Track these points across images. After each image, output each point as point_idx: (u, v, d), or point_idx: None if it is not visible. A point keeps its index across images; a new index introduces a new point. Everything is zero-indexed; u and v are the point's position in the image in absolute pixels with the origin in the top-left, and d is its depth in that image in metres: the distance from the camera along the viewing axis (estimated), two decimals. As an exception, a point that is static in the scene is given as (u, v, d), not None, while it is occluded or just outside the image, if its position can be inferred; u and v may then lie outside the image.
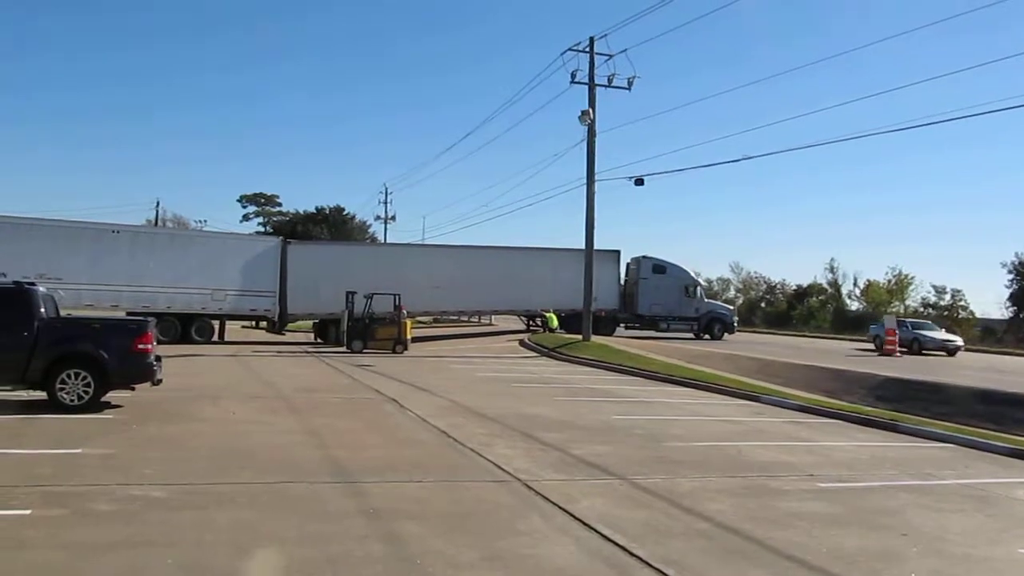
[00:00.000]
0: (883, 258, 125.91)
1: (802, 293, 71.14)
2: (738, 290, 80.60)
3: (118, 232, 32.60)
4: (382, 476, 9.34)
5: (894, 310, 57.77)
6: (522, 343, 35.48)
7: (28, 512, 7.24)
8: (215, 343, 32.07)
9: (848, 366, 25.20)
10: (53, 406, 12.82)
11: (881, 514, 8.64)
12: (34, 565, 5.93)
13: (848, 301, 70.05)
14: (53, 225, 31.46)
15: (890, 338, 36.64)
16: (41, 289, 13.95)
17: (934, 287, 62.25)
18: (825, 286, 71.11)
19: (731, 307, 50.55)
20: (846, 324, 60.68)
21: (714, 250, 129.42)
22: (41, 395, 13.17)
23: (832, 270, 71.42)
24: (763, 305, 75.79)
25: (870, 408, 17.43)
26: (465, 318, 53.54)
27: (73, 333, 13.81)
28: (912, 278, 65.42)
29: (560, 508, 8.18)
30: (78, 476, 8.67)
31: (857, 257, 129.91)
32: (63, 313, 15.31)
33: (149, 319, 14.80)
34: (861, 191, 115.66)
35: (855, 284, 70.56)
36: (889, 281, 66.53)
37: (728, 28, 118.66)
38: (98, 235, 31.66)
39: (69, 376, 13.01)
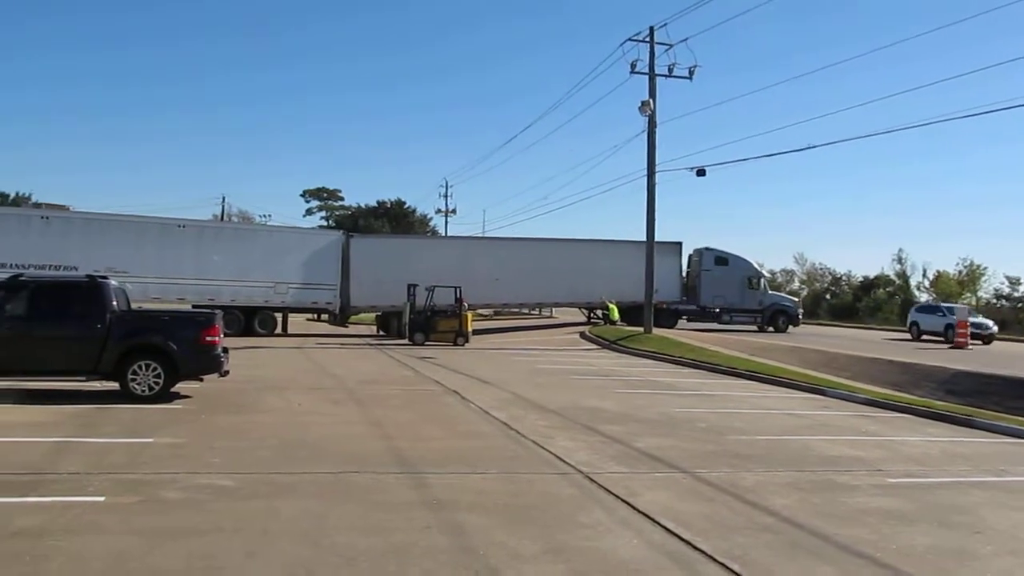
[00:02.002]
0: (953, 251, 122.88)
1: (869, 285, 69.67)
2: (802, 282, 79.29)
3: (184, 227, 33.30)
4: (444, 467, 9.39)
5: (965, 302, 56.25)
6: (583, 335, 35.38)
7: (103, 499, 7.45)
8: (278, 336, 32.60)
9: (918, 359, 24.61)
10: (125, 396, 13.18)
11: (953, 511, 8.41)
12: (111, 550, 6.10)
13: (917, 293, 68.38)
14: (123, 220, 32.33)
15: (961, 330, 35.68)
16: (112, 282, 14.34)
17: (1008, 278, 60.54)
18: (893, 277, 69.53)
19: (795, 299, 49.78)
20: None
21: (778, 241, 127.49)
22: (113, 385, 13.54)
23: (900, 261, 69.86)
24: (828, 297, 74.40)
25: (941, 402, 16.99)
26: (526, 310, 53.60)
27: (144, 325, 14.16)
28: (984, 269, 63.68)
29: (622, 501, 8.14)
30: (149, 464, 8.89)
31: (926, 249, 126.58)
32: (133, 306, 15.70)
33: (216, 311, 15.10)
34: (931, 184, 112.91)
35: (924, 275, 68.94)
36: (960, 272, 64.81)
37: (792, 14, 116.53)
38: (165, 230, 32.40)
39: (140, 367, 13.35)
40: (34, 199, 66.52)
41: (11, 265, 25.88)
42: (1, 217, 32.02)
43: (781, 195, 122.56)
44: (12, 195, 71.07)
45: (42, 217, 31.25)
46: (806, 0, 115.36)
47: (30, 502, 7.23)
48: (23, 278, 14.40)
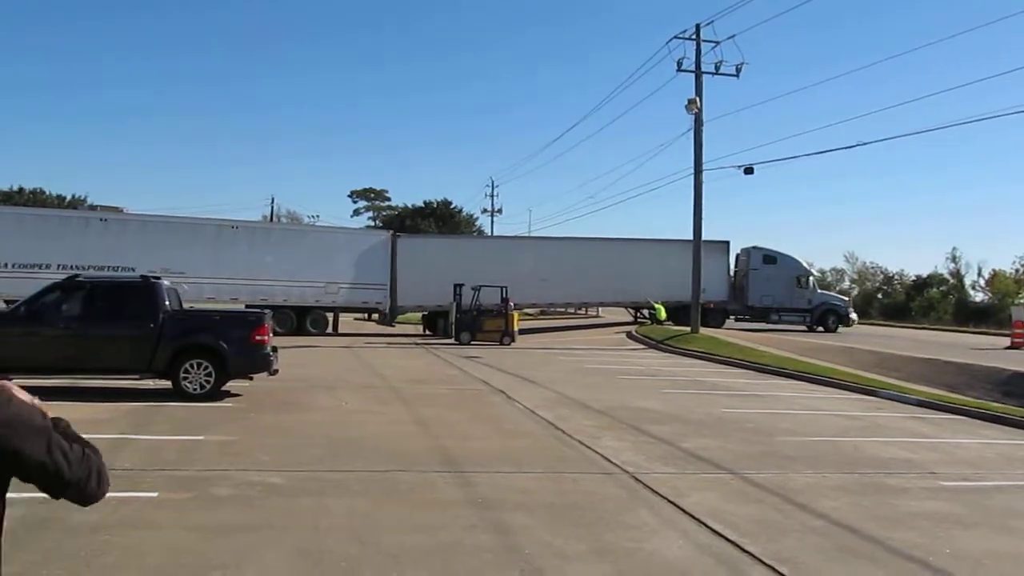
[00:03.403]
0: (1010, 249, 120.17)
1: (921, 284, 68.30)
2: (853, 281, 78.03)
3: (237, 228, 33.82)
4: (490, 466, 9.42)
5: (1023, 301, 54.90)
6: (629, 335, 35.23)
7: (156, 495, 7.60)
8: (329, 335, 32.94)
9: (973, 360, 24.08)
10: (177, 394, 13.43)
11: (1010, 515, 8.23)
12: (166, 545, 6.23)
13: (971, 292, 66.94)
14: (178, 222, 32.98)
15: (1018, 331, 34.83)
16: (165, 283, 14.63)
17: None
18: (946, 276, 68.06)
19: (846, 298, 48.98)
20: (969, 316, 57.90)
21: (827, 240, 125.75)
22: (166, 384, 13.81)
23: (954, 260, 68.30)
24: (880, 296, 73.12)
25: (998, 404, 16.60)
26: (572, 310, 53.52)
27: (195, 325, 14.43)
28: (1044, 267, 62.00)
29: (669, 502, 8.09)
30: (201, 461, 9.05)
31: (981, 248, 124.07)
32: (185, 306, 15.99)
33: (265, 311, 15.32)
34: (986, 182, 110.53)
35: (979, 274, 67.35)
36: (1017, 271, 63.23)
37: (837, 8, 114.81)
38: (218, 231, 32.95)
39: (192, 366, 13.59)
40: (89, 201, 67.97)
41: (71, 266, 26.52)
42: (63, 219, 32.87)
43: (831, 194, 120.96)
44: (68, 197, 72.72)
45: (101, 219, 31.97)
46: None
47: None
48: (79, 279, 14.75)
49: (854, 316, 44.99)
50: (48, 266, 28.09)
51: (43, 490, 2.16)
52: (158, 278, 14.76)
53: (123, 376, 13.99)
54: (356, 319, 38.86)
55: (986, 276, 66.37)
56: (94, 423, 11.16)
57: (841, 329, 41.78)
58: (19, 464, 2.08)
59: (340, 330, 34.33)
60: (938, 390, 18.67)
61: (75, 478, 2.17)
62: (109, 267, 28.64)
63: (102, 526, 6.56)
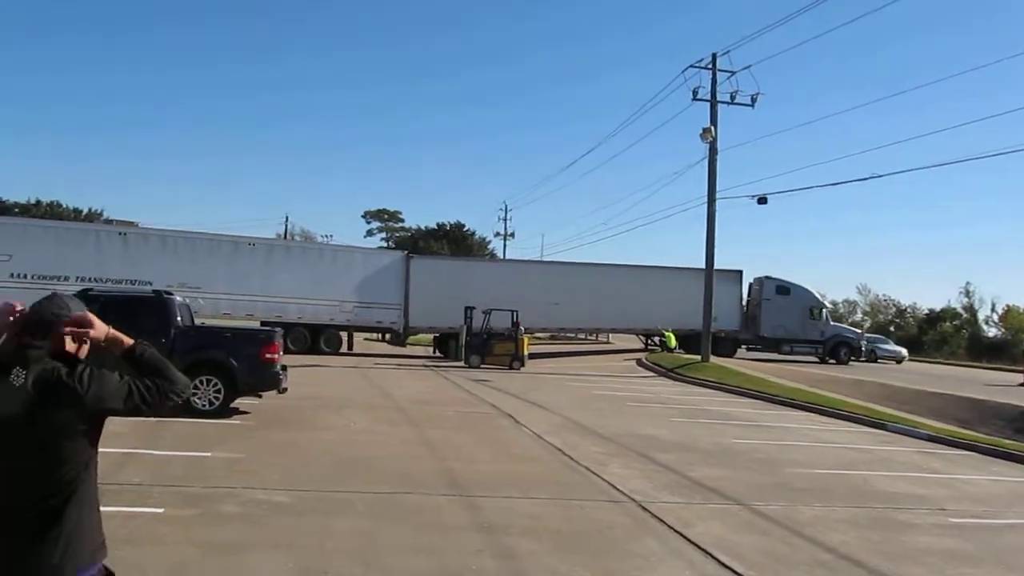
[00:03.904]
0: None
1: (935, 318, 68.00)
2: (865, 313, 77.75)
3: (254, 245, 34.04)
4: (496, 491, 9.39)
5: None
6: (639, 362, 35.14)
7: (162, 510, 7.61)
8: (343, 354, 32.97)
9: (985, 395, 23.91)
10: (185, 410, 13.41)
11: (1020, 554, 8.17)
12: (171, 561, 6.23)
13: (985, 327, 66.56)
14: (196, 237, 33.18)
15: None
16: (177, 298, 14.70)
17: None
18: (960, 311, 67.76)
19: (858, 330, 48.77)
20: (982, 351, 57.58)
21: (840, 272, 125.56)
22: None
23: (968, 294, 68.02)
24: (892, 329, 72.74)
25: (1010, 441, 16.46)
26: (582, 335, 53.42)
27: (206, 341, 14.48)
28: (1057, 303, 61.68)
29: (675, 531, 8.05)
30: (207, 478, 9.06)
31: (995, 283, 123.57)
32: (198, 321, 16.05)
33: (277, 329, 15.35)
34: (1000, 216, 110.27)
35: (993, 309, 67.02)
36: (1031, 306, 62.90)
37: (854, 40, 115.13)
38: (236, 248, 33.16)
39: (201, 382, 13.62)
40: (105, 215, 68.53)
41: (90, 278, 26.75)
42: (84, 233, 33.11)
43: (845, 225, 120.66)
44: (84, 210, 73.33)
45: (121, 233, 32.31)
46: (873, 31, 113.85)
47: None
48: (92, 292, 14.83)
49: (903, 351, 47.90)
50: (67, 278, 28.31)
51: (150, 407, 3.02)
52: (170, 293, 14.85)
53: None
54: (366, 339, 38.91)
55: (999, 311, 66.11)
56: (102, 437, 11.19)
57: (852, 361, 41.60)
58: (110, 415, 2.94)
59: (353, 350, 34.36)
60: (949, 425, 18.55)
61: (151, 409, 3.01)
62: (127, 280, 28.81)
63: (109, 539, 6.56)
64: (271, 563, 6.35)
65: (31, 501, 2.74)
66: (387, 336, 37.37)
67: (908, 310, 73.85)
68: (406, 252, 39.61)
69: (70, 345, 2.93)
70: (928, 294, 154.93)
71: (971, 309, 67.64)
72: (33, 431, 2.73)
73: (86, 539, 2.88)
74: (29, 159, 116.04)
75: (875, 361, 44.37)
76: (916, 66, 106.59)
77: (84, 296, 14.44)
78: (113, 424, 10.10)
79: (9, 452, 2.73)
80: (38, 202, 71.90)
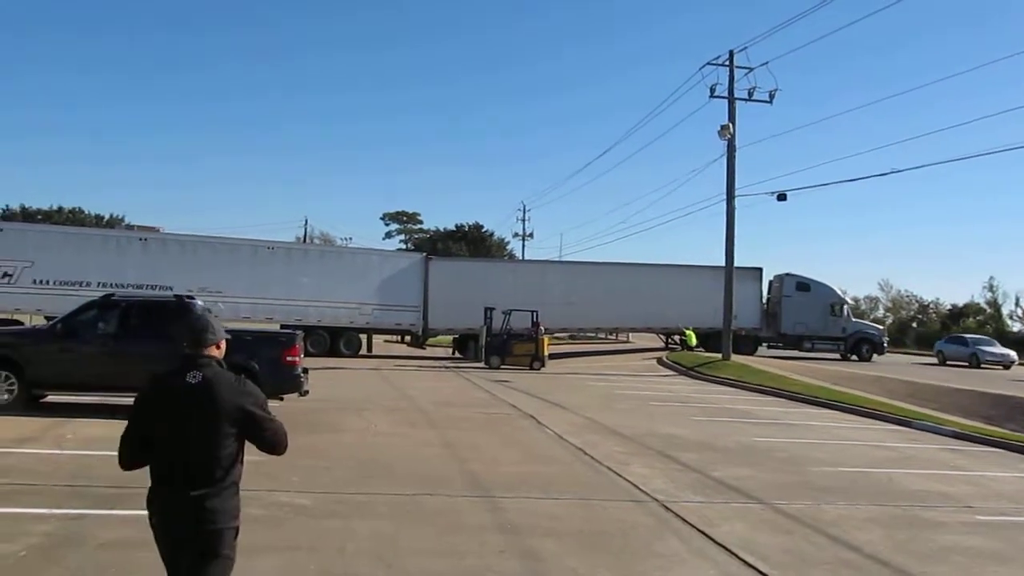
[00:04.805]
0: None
1: (958, 313, 67.35)
2: (887, 309, 77.17)
3: (273, 249, 34.19)
4: (518, 491, 9.37)
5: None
6: (660, 361, 35.02)
7: (185, 514, 7.63)
8: (360, 356, 33.05)
9: (1012, 391, 23.66)
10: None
11: (1048, 552, 8.04)
12: (189, 565, 6.24)
13: (1009, 322, 65.83)
14: (215, 242, 33.41)
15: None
16: (199, 303, 14.76)
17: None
18: (983, 306, 67.08)
19: (880, 327, 48.42)
20: (1007, 346, 56.99)
21: (862, 269, 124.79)
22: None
23: (991, 289, 67.34)
24: (915, 325, 72.17)
25: (1036, 437, 16.26)
26: (602, 335, 53.32)
27: (227, 344, 14.50)
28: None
29: (698, 531, 8.00)
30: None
31: (1019, 277, 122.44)
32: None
33: (297, 332, 15.39)
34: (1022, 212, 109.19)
35: (1017, 304, 66.34)
36: (1055, 301, 62.21)
37: (873, 33, 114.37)
38: (255, 251, 33.33)
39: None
40: (127, 220, 69.13)
41: (111, 284, 26.98)
42: (104, 238, 33.43)
43: (866, 222, 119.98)
44: (106, 216, 73.96)
45: (140, 239, 32.56)
46: (892, 26, 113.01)
47: (116, 515, 7.45)
48: (114, 297, 14.94)
49: (1012, 354, 43.30)
50: (88, 284, 28.54)
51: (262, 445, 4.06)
52: (192, 297, 14.91)
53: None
54: (386, 341, 38.99)
55: (1023, 306, 65.41)
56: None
57: (875, 358, 41.30)
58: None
59: (372, 352, 34.44)
60: (974, 421, 18.36)
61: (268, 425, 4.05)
62: (147, 285, 28.96)
63: (132, 543, 6.59)
64: (293, 565, 6.35)
65: (208, 465, 3.82)
66: (407, 338, 37.43)
67: (931, 306, 73.23)
68: (425, 254, 39.67)
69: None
70: (951, 289, 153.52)
71: (995, 304, 66.97)
72: (205, 415, 3.80)
73: (237, 497, 4.03)
74: (51, 165, 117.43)
75: (978, 367, 40.90)
76: (935, 61, 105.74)
77: (107, 301, 14.58)
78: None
79: (193, 429, 3.78)
80: (60, 208, 72.62)
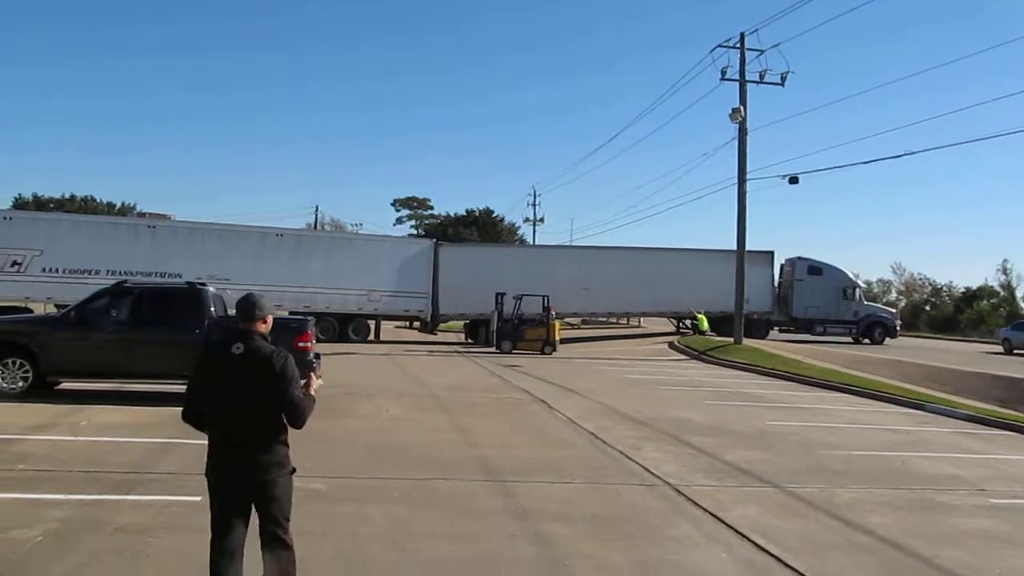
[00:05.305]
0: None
1: (971, 296, 67.02)
2: (900, 292, 76.87)
3: (282, 235, 34.20)
4: (530, 476, 9.38)
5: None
6: (671, 345, 34.99)
7: (199, 499, 7.63)
8: (370, 342, 33.12)
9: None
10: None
11: (1063, 535, 8.00)
12: (207, 549, 6.27)
13: (1023, 304, 65.45)
14: (224, 229, 33.43)
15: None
16: (211, 289, 14.81)
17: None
18: (997, 288, 66.73)
19: (893, 310, 48.20)
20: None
21: (874, 251, 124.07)
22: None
23: (1005, 272, 67.05)
24: (928, 308, 71.85)
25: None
26: (613, 320, 53.27)
27: (240, 331, 14.54)
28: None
29: (711, 515, 8.00)
30: (244, 467, 9.11)
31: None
32: (231, 312, 16.15)
33: (309, 318, 15.42)
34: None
35: (1031, 286, 65.97)
36: (1070, 283, 61.79)
37: (888, 14, 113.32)
38: (263, 238, 33.36)
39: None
40: (138, 208, 69.29)
41: (120, 272, 27.06)
42: (113, 226, 33.49)
43: (878, 205, 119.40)
44: (118, 205, 74.17)
45: (149, 226, 32.60)
46: (906, 5, 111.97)
47: (131, 500, 7.51)
48: (127, 284, 14.99)
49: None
50: (97, 272, 28.67)
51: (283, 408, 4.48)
52: (204, 284, 14.94)
53: (169, 381, 14.20)
54: (397, 327, 39.07)
55: (1039, 289, 65.01)
56: (140, 427, 11.34)
57: (888, 341, 41.14)
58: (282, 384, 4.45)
59: (381, 338, 34.51)
60: (988, 405, 18.27)
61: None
62: (156, 273, 29.04)
63: (147, 528, 6.65)
64: (307, 551, 6.36)
65: (254, 423, 4.44)
66: (414, 324, 37.51)
67: (944, 289, 72.89)
68: (433, 240, 39.66)
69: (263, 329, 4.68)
70: (964, 272, 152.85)
71: (1009, 287, 66.71)
72: (247, 380, 4.42)
73: (285, 448, 4.61)
74: (64, 153, 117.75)
75: None
76: (949, 42, 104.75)
77: (120, 288, 14.63)
78: (149, 415, 10.26)
79: (238, 392, 4.41)
80: (72, 197, 72.86)
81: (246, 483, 4.48)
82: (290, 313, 28.87)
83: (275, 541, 4.57)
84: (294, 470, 4.66)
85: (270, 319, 4.75)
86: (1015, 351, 39.76)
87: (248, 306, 4.71)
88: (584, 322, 51.71)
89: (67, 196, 72.58)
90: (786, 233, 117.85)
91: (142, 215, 44.66)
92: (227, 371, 4.47)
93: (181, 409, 4.73)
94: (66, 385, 14.53)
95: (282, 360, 4.50)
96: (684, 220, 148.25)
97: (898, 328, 43.58)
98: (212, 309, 14.22)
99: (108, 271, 28.22)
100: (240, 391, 4.41)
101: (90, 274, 28.63)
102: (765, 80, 31.52)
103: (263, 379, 4.42)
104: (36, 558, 5.89)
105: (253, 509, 4.58)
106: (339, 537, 6.69)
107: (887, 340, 41.29)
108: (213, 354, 4.66)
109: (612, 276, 37.17)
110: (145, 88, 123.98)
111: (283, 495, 4.56)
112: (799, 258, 42.33)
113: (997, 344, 42.56)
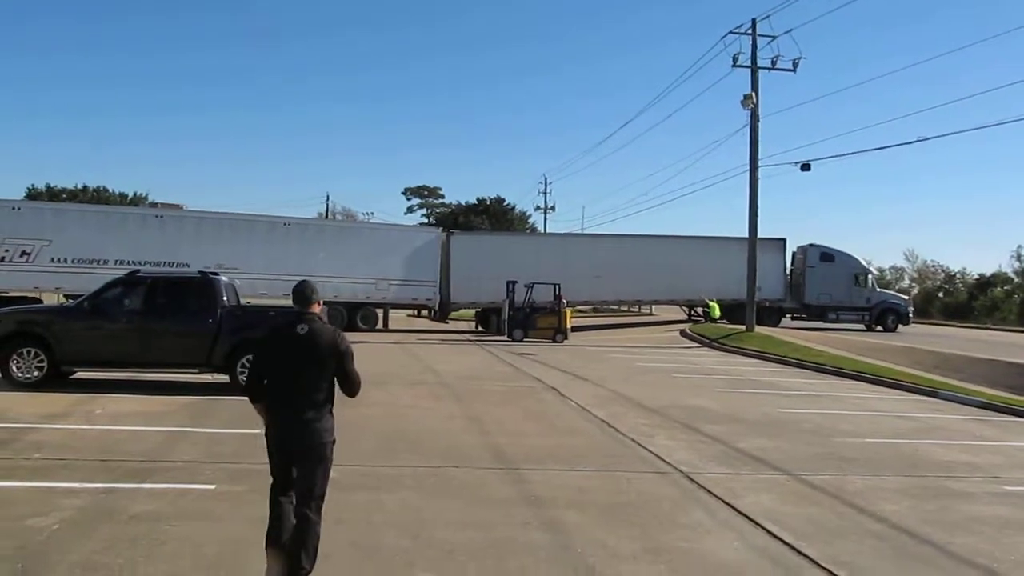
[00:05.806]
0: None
1: (985, 283, 66.61)
2: (913, 279, 76.52)
3: (289, 224, 34.20)
4: (543, 464, 9.40)
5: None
6: (683, 333, 34.94)
7: (214, 487, 7.72)
8: (379, 331, 33.17)
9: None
10: (235, 388, 13.59)
11: (1078, 522, 7.97)
12: (223, 536, 6.33)
13: (1037, 291, 65.06)
14: (233, 219, 33.45)
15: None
16: (223, 279, 14.85)
17: None
18: (1011, 275, 66.32)
19: (905, 297, 47.99)
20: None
21: (887, 238, 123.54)
22: (224, 378, 14.01)
23: (1019, 259, 66.58)
24: (941, 295, 71.47)
25: (1064, 407, 16.09)
26: (625, 307, 53.22)
27: (252, 320, 14.57)
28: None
29: (724, 502, 8.00)
30: (257, 455, 9.07)
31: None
32: (242, 302, 16.21)
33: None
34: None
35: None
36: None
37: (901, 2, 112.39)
38: (271, 227, 33.35)
39: (249, 360, 13.75)
40: (150, 198, 69.53)
41: (129, 262, 27.11)
42: (122, 216, 33.55)
43: (891, 192, 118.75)
44: (130, 195, 74.41)
45: (157, 216, 32.67)
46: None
47: (146, 488, 7.56)
48: (140, 274, 15.05)
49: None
50: (106, 261, 28.71)
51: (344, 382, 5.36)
52: (216, 274, 14.99)
53: (182, 370, 14.28)
54: (408, 315, 39.10)
55: (1054, 275, 64.57)
56: (154, 416, 11.40)
57: (900, 328, 40.97)
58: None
59: (391, 326, 34.55)
60: (1001, 392, 18.19)
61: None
62: (165, 263, 28.99)
63: (162, 516, 6.70)
64: (323, 537, 6.39)
65: (313, 394, 5.16)
66: (422, 312, 37.56)
67: (957, 276, 72.50)
68: (443, 229, 39.67)
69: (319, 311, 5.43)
70: (978, 259, 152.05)
71: (1023, 273, 66.18)
72: (310, 356, 5.17)
73: (333, 418, 5.34)
74: (77, 142, 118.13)
75: None
76: (964, 28, 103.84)
77: (133, 278, 14.69)
78: (162, 404, 10.32)
79: (302, 367, 5.15)
80: (85, 187, 73.09)
81: (302, 445, 5.15)
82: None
83: (311, 501, 5.21)
84: (335, 441, 5.31)
85: (321, 303, 5.55)
86: None
87: (304, 293, 5.46)
88: (596, 310, 51.65)
89: (80, 187, 72.82)
90: (798, 220, 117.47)
91: (154, 205, 44.81)
92: (294, 349, 5.17)
93: (245, 386, 5.61)
94: (80, 374, 14.61)
95: (345, 339, 5.30)
96: (696, 207, 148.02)
97: (911, 315, 43.37)
98: (224, 298, 14.26)
99: (116, 261, 28.23)
100: (305, 366, 5.15)
101: (99, 264, 28.67)
102: (777, 67, 31.37)
103: (328, 355, 5.18)
104: (53, 546, 5.94)
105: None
106: (353, 524, 6.72)
107: (900, 327, 41.12)
108: (279, 335, 5.31)
109: (624, 264, 37.12)
110: (157, 79, 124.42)
111: (327, 459, 5.25)
112: (811, 245, 42.18)
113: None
